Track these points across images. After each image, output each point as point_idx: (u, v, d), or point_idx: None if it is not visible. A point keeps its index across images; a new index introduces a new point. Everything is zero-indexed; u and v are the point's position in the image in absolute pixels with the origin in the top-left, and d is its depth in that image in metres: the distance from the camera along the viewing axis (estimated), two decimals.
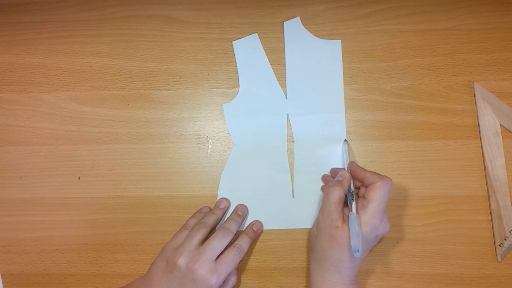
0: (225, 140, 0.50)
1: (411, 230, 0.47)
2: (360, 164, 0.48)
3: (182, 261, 0.39)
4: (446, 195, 0.48)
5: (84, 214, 0.48)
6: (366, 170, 0.43)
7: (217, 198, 0.48)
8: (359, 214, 0.39)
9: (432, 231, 0.47)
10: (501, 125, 0.49)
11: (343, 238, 0.39)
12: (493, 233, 0.47)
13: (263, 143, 0.49)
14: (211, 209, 0.47)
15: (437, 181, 0.48)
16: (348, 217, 0.40)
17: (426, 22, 0.52)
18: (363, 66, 0.51)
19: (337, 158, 0.48)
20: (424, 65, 0.51)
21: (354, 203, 0.40)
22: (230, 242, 0.43)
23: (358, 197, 0.42)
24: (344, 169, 0.45)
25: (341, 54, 0.51)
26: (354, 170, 0.43)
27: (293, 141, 0.49)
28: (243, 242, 0.43)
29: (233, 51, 0.52)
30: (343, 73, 0.51)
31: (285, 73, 0.51)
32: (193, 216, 0.46)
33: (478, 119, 0.49)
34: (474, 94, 0.50)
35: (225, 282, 0.41)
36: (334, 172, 0.47)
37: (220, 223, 0.46)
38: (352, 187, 0.42)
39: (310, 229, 0.47)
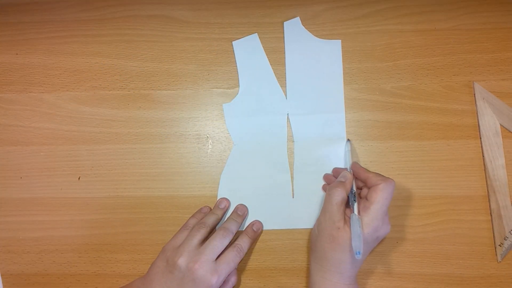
0: (225, 140, 0.50)
1: (411, 230, 0.47)
2: (360, 164, 0.48)
3: (182, 261, 0.39)
4: (446, 195, 0.48)
5: (84, 214, 0.48)
6: (369, 171, 0.42)
7: (217, 198, 0.48)
8: (361, 216, 0.39)
9: (432, 231, 0.47)
10: (501, 125, 0.49)
11: (345, 239, 0.39)
12: (493, 233, 0.47)
13: (263, 143, 0.49)
14: (211, 209, 0.47)
15: (437, 181, 0.48)
16: (349, 218, 0.40)
17: (426, 22, 0.52)
18: (363, 66, 0.51)
19: (337, 158, 0.48)
20: (424, 65, 0.51)
21: (356, 205, 0.40)
22: (230, 242, 0.43)
23: (361, 198, 0.42)
24: (346, 169, 0.45)
25: (341, 54, 0.51)
26: (357, 171, 0.43)
27: (293, 141, 0.49)
28: (243, 242, 0.43)
29: (233, 51, 0.52)
30: (343, 73, 0.51)
31: (285, 73, 0.51)
32: (193, 216, 0.46)
33: (478, 119, 0.49)
34: (474, 94, 0.50)
35: (225, 282, 0.41)
36: (336, 171, 0.47)
37: (220, 223, 0.46)
38: (355, 188, 0.42)
39: (310, 229, 0.47)
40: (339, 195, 0.40)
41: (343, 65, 0.51)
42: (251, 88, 0.51)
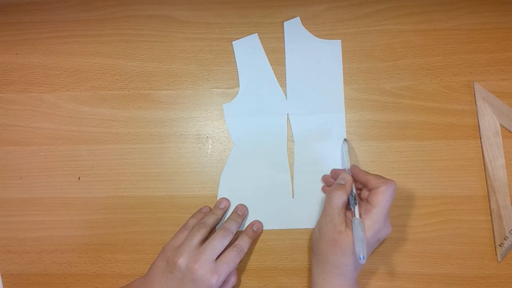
0: (225, 140, 0.50)
1: (411, 230, 0.47)
2: (360, 164, 0.48)
3: (182, 261, 0.39)
4: (446, 195, 0.48)
5: (84, 214, 0.48)
6: (369, 173, 0.42)
7: (217, 198, 0.48)
8: (363, 219, 0.39)
9: (432, 231, 0.47)
10: (501, 125, 0.49)
11: (347, 243, 0.38)
12: (493, 233, 0.47)
13: (263, 143, 0.49)
14: (211, 209, 0.47)
15: (437, 181, 0.48)
16: (351, 221, 0.39)
17: (426, 22, 0.52)
18: (363, 66, 0.51)
19: (337, 158, 0.48)
20: (424, 65, 0.51)
21: (357, 208, 0.40)
22: (230, 242, 0.43)
23: (361, 199, 0.42)
24: (345, 170, 0.45)
25: (341, 54, 0.51)
26: (356, 174, 0.43)
27: (293, 141, 0.49)
28: (243, 242, 0.43)
29: (233, 51, 0.52)
30: (343, 73, 0.51)
31: (285, 73, 0.51)
32: (193, 216, 0.46)
33: (478, 119, 0.49)
34: (474, 94, 0.50)
35: (225, 282, 0.41)
36: (335, 173, 0.47)
37: (220, 223, 0.46)
38: (354, 190, 0.42)
39: (311, 229, 0.47)
40: (340, 198, 0.40)
41: (343, 65, 0.51)
42: (251, 88, 0.51)
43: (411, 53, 0.51)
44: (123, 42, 0.52)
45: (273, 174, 0.48)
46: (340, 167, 0.48)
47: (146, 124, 0.50)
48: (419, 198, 0.48)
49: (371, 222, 0.38)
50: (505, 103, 0.49)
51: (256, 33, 0.52)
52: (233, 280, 0.43)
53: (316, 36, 0.51)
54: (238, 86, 0.51)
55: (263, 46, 0.51)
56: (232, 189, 0.48)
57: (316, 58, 0.51)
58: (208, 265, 0.39)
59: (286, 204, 0.48)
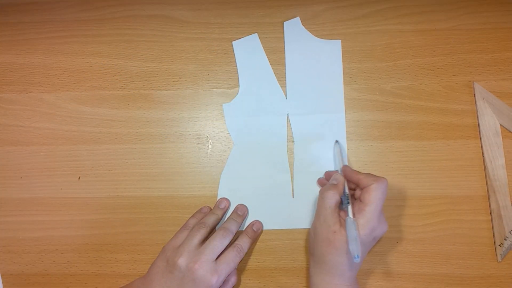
0: (225, 140, 0.50)
1: (411, 230, 0.47)
2: (360, 164, 0.48)
3: (182, 261, 0.39)
4: (446, 195, 0.48)
5: (84, 214, 0.48)
6: (360, 172, 0.42)
7: (217, 198, 0.48)
8: (356, 218, 0.39)
9: (432, 231, 0.47)
10: (501, 125, 0.49)
11: (341, 242, 0.38)
12: (493, 233, 0.47)
13: (263, 143, 0.49)
14: (211, 209, 0.47)
15: (437, 181, 0.48)
16: (345, 221, 0.39)
17: (426, 22, 0.52)
18: (363, 66, 0.51)
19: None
20: (424, 65, 0.51)
21: (350, 207, 0.40)
22: (230, 242, 0.43)
23: (355, 199, 0.42)
24: (337, 171, 0.45)
25: (341, 54, 0.51)
26: (348, 174, 0.43)
27: (293, 141, 0.49)
28: (243, 242, 0.43)
29: (233, 51, 0.52)
30: (343, 73, 0.51)
31: (285, 73, 0.51)
32: (193, 216, 0.46)
33: (478, 119, 0.49)
34: (474, 94, 0.50)
35: (225, 282, 0.41)
36: (329, 175, 0.47)
37: (220, 223, 0.46)
38: (347, 190, 0.42)
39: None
40: (332, 198, 0.40)
41: (343, 65, 0.51)
42: (251, 88, 0.51)
43: (411, 53, 0.51)
44: (123, 42, 0.52)
45: (273, 174, 0.48)
46: (334, 168, 0.48)
47: (146, 124, 0.50)
48: (419, 198, 0.48)
49: (365, 220, 0.38)
50: (505, 103, 0.49)
51: (256, 33, 0.52)
52: (233, 280, 0.43)
53: (316, 36, 0.51)
54: (238, 86, 0.51)
55: (263, 46, 0.51)
56: (232, 189, 0.48)
57: (316, 58, 0.51)
58: (208, 265, 0.39)
59: (286, 204, 0.48)
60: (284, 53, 0.51)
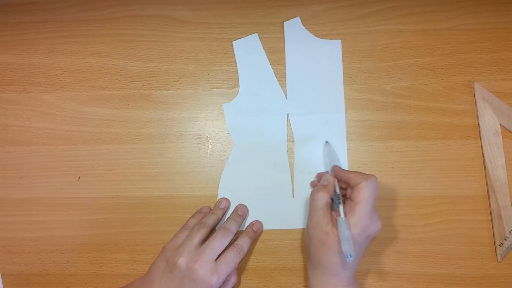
0: (225, 140, 0.50)
1: (411, 230, 0.47)
2: (360, 164, 0.48)
3: (182, 261, 0.39)
4: (446, 195, 0.48)
5: (84, 214, 0.48)
6: (349, 171, 0.42)
7: (217, 198, 0.48)
8: (348, 217, 0.39)
9: (432, 231, 0.47)
10: (501, 125, 0.49)
11: (335, 243, 0.38)
12: (493, 233, 0.47)
13: (263, 143, 0.49)
14: (211, 209, 0.47)
15: (437, 181, 0.48)
16: (337, 221, 0.39)
17: (426, 22, 0.52)
18: (363, 66, 0.51)
19: (337, 158, 0.48)
20: (424, 65, 0.51)
21: (341, 207, 0.40)
22: (230, 242, 0.43)
23: (347, 198, 0.42)
24: (328, 172, 0.45)
25: (341, 54, 0.51)
26: (337, 173, 0.43)
27: (293, 141, 0.49)
28: (243, 242, 0.43)
29: (233, 51, 0.52)
30: (343, 73, 0.51)
31: (285, 73, 0.51)
32: (193, 216, 0.46)
33: (478, 119, 0.49)
34: (474, 94, 0.50)
35: (225, 282, 0.41)
36: (320, 176, 0.47)
37: (220, 223, 0.46)
38: (338, 190, 0.42)
39: None
40: (322, 198, 0.40)
41: (343, 65, 0.51)
42: (251, 88, 0.51)
43: (411, 53, 0.51)
44: (123, 42, 0.52)
45: (273, 174, 0.48)
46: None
47: (146, 124, 0.50)
48: (419, 198, 0.48)
49: (356, 219, 0.38)
50: (505, 103, 0.49)
51: (256, 33, 0.52)
52: (233, 280, 0.43)
53: (316, 36, 0.51)
54: (238, 86, 0.51)
55: (263, 46, 0.51)
56: (232, 189, 0.48)
57: (316, 58, 0.51)
58: (208, 265, 0.39)
59: (286, 204, 0.48)
60: (284, 53, 0.51)
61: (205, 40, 0.52)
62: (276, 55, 0.51)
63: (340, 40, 0.51)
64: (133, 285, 0.42)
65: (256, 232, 0.46)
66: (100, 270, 0.47)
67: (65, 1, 0.53)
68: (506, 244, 0.46)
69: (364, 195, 0.38)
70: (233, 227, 0.44)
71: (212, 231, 0.44)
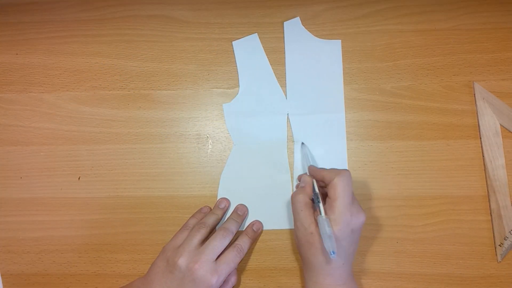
0: (225, 140, 0.50)
1: (411, 230, 0.47)
2: (360, 164, 0.48)
3: (182, 261, 0.39)
4: (446, 195, 0.48)
5: (84, 214, 0.48)
6: (324, 169, 0.42)
7: (217, 198, 0.48)
8: (328, 215, 0.39)
9: (432, 231, 0.47)
10: (501, 125, 0.49)
11: (320, 242, 0.38)
12: (493, 233, 0.47)
13: (263, 143, 0.49)
14: (211, 209, 0.47)
15: (437, 181, 0.48)
16: (317, 220, 0.39)
17: (426, 22, 0.52)
18: (363, 66, 0.51)
19: (337, 158, 0.48)
20: (424, 65, 0.51)
21: (321, 205, 0.40)
22: (230, 242, 0.43)
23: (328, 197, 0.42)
24: (306, 173, 0.45)
25: (341, 54, 0.51)
26: (313, 173, 0.43)
27: (293, 141, 0.49)
28: (243, 242, 0.43)
29: (233, 51, 0.52)
30: (343, 73, 0.51)
31: (285, 73, 0.51)
32: (193, 216, 0.46)
33: (478, 119, 0.49)
34: (474, 94, 0.50)
35: (225, 282, 0.41)
36: (299, 178, 0.47)
37: (220, 223, 0.46)
38: (317, 190, 0.42)
39: None
40: (302, 201, 0.41)
41: (343, 65, 0.51)
42: (251, 88, 0.51)
43: (411, 53, 0.51)
44: (123, 42, 0.52)
45: (273, 174, 0.48)
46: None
47: (146, 124, 0.50)
48: (419, 198, 0.48)
49: (336, 215, 0.38)
50: (505, 103, 0.49)
51: (256, 33, 0.52)
52: (233, 280, 0.43)
53: (316, 36, 0.51)
54: (238, 86, 0.51)
55: (263, 46, 0.51)
56: (232, 189, 0.48)
57: (316, 58, 0.51)
58: (208, 265, 0.39)
59: (286, 204, 0.48)
60: (284, 53, 0.51)
61: (205, 40, 0.52)
62: (276, 55, 0.51)
63: (340, 40, 0.51)
64: (133, 285, 0.42)
65: (256, 232, 0.46)
66: (100, 270, 0.47)
67: (65, 1, 0.53)
68: (506, 244, 0.46)
69: (339, 190, 0.39)
70: (233, 227, 0.44)
71: (212, 231, 0.44)
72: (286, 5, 0.52)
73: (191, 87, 0.51)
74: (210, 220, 0.44)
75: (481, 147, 0.48)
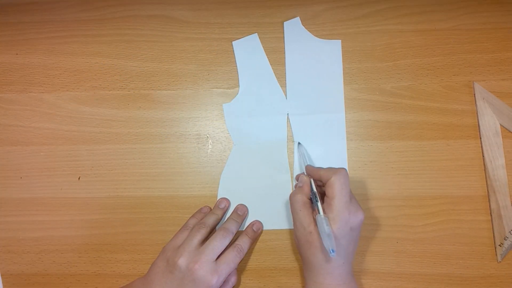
0: (225, 140, 0.50)
1: (411, 230, 0.47)
2: (360, 164, 0.48)
3: (182, 261, 0.39)
4: (446, 195, 0.48)
5: (84, 214, 0.48)
6: (321, 168, 0.42)
7: (217, 198, 0.48)
8: (326, 213, 0.39)
9: (432, 231, 0.47)
10: (501, 125, 0.49)
11: (319, 241, 0.38)
12: (493, 233, 0.47)
13: (263, 143, 0.49)
14: (211, 209, 0.47)
15: (437, 181, 0.48)
16: (316, 219, 0.39)
17: (426, 22, 0.52)
18: (363, 66, 0.51)
19: (337, 158, 0.48)
20: (424, 65, 0.51)
21: (319, 204, 0.40)
22: (230, 242, 0.43)
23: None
24: (303, 173, 0.45)
25: (341, 54, 0.51)
26: (310, 172, 0.43)
27: (293, 141, 0.49)
28: (243, 242, 0.43)
29: (233, 51, 0.52)
30: (343, 73, 0.51)
31: (285, 73, 0.51)
32: (193, 216, 0.46)
33: (478, 119, 0.49)
34: (474, 94, 0.50)
35: (225, 282, 0.41)
36: (297, 177, 0.47)
37: (220, 223, 0.46)
38: (314, 189, 0.42)
39: None
40: (300, 200, 0.41)
41: (343, 65, 0.51)
42: (251, 88, 0.51)
43: (411, 53, 0.51)
44: (123, 42, 0.52)
45: (273, 174, 0.48)
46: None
47: (146, 124, 0.50)
48: (419, 198, 0.48)
49: (334, 214, 0.38)
50: (505, 103, 0.49)
51: (256, 33, 0.52)
52: (233, 280, 0.43)
53: (316, 36, 0.51)
54: (238, 86, 0.51)
55: (263, 46, 0.51)
56: (232, 189, 0.48)
57: (316, 58, 0.51)
58: (208, 265, 0.39)
59: (286, 204, 0.48)
60: (284, 53, 0.51)
61: (205, 40, 0.52)
62: (276, 55, 0.51)
63: (340, 40, 0.51)
64: (133, 285, 0.42)
65: (256, 232, 0.46)
66: (100, 270, 0.47)
67: (65, 1, 0.53)
68: (506, 244, 0.46)
69: (336, 189, 0.39)
70: (233, 227, 0.44)
71: (212, 231, 0.44)
72: (286, 5, 0.52)
73: (191, 87, 0.51)
74: (210, 220, 0.44)
75: (481, 147, 0.48)
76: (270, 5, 0.53)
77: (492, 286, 0.46)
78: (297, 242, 0.42)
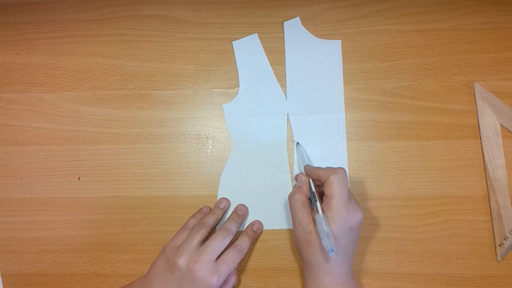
0: (225, 140, 0.50)
1: (411, 230, 0.47)
2: (360, 164, 0.48)
3: (182, 261, 0.39)
4: (446, 195, 0.48)
5: (84, 214, 0.48)
6: (319, 168, 0.42)
7: (217, 198, 0.48)
8: (325, 213, 0.39)
9: (432, 231, 0.47)
10: (501, 125, 0.49)
11: (318, 241, 0.38)
12: (493, 233, 0.47)
13: (263, 143, 0.49)
14: (211, 209, 0.47)
15: (437, 181, 0.48)
16: (315, 218, 0.39)
17: (426, 22, 0.52)
18: (363, 66, 0.51)
19: (337, 158, 0.48)
20: (424, 65, 0.51)
21: (318, 204, 0.40)
22: (230, 242, 0.43)
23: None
24: (302, 173, 0.45)
25: (341, 54, 0.51)
26: (309, 172, 0.43)
27: (293, 141, 0.49)
28: (243, 242, 0.43)
29: (233, 51, 0.52)
30: (343, 73, 0.51)
31: (285, 73, 0.51)
32: (193, 216, 0.46)
33: (478, 119, 0.49)
34: (474, 94, 0.50)
35: (225, 282, 0.41)
36: (296, 177, 0.47)
37: (220, 223, 0.46)
38: (313, 188, 0.42)
39: None
40: (299, 200, 0.41)
41: (343, 65, 0.51)
42: (251, 88, 0.51)
43: (411, 53, 0.51)
44: (123, 42, 0.52)
45: (273, 174, 0.48)
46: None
47: (146, 124, 0.50)
48: (419, 198, 0.48)
49: (333, 213, 0.38)
50: (505, 103, 0.49)
51: (256, 33, 0.52)
52: (233, 280, 0.43)
53: (316, 36, 0.51)
54: (238, 86, 0.51)
55: (263, 46, 0.51)
56: (232, 189, 0.48)
57: (316, 58, 0.51)
58: (208, 265, 0.39)
59: (286, 204, 0.48)
60: (284, 53, 0.51)
61: (205, 40, 0.52)
62: (276, 55, 0.51)
63: (340, 40, 0.51)
64: (133, 285, 0.42)
65: (256, 232, 0.46)
66: (100, 270, 0.47)
67: (65, 1, 0.53)
68: (506, 244, 0.46)
69: (334, 188, 0.39)
70: (233, 227, 0.44)
71: (212, 231, 0.44)
72: (286, 5, 0.52)
73: (191, 87, 0.51)
74: (210, 220, 0.44)
75: (481, 147, 0.48)
76: (270, 5, 0.53)
77: (492, 286, 0.46)
78: (296, 242, 0.42)
